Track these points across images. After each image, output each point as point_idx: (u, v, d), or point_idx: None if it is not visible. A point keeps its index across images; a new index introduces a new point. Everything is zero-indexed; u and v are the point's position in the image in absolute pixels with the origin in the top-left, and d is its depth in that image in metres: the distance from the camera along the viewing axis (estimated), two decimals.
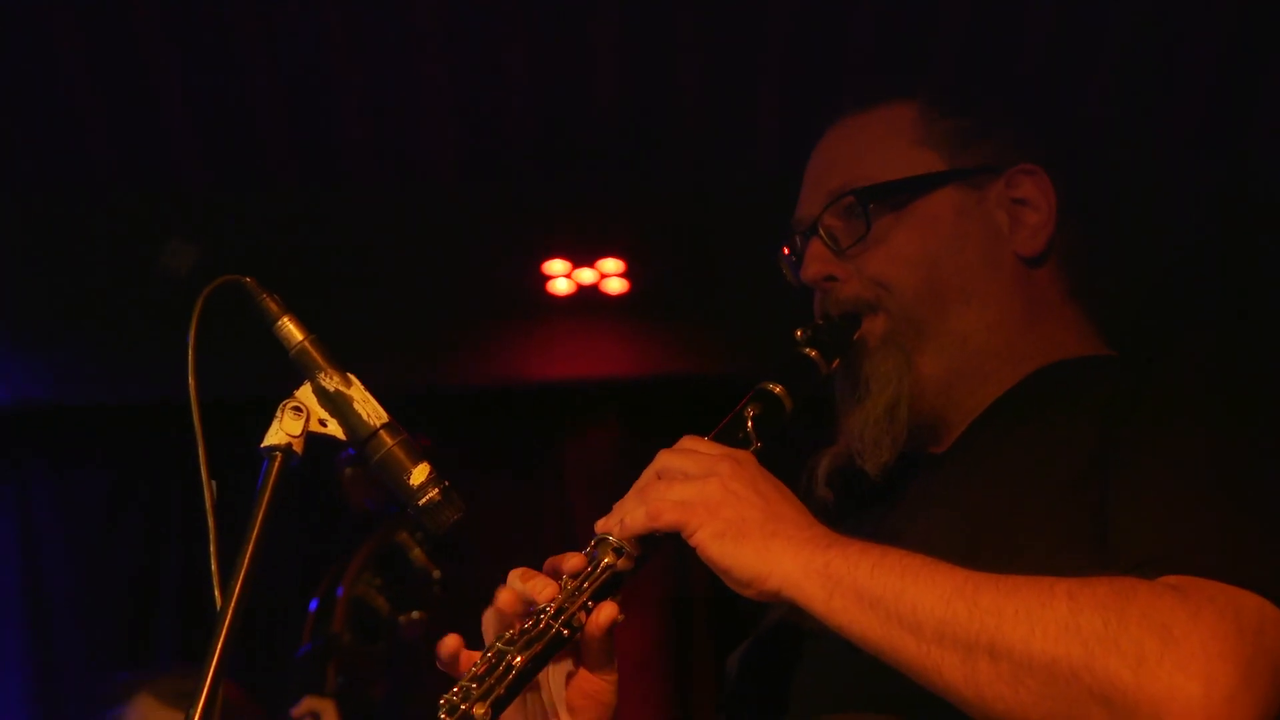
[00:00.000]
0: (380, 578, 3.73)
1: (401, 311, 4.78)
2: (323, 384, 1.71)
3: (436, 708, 1.64)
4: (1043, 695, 1.52)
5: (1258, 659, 1.49)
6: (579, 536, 1.78)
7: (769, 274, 2.17)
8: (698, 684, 4.90)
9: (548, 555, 1.77)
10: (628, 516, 1.73)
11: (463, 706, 1.63)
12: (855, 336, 2.00)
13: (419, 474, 1.70)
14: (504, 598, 1.74)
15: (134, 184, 4.50)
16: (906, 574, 1.61)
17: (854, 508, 1.99)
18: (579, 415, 5.08)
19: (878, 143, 2.06)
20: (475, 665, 1.67)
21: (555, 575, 1.73)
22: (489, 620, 1.76)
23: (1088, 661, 1.50)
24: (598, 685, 1.77)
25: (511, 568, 1.77)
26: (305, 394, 1.71)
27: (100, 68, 4.11)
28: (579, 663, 1.76)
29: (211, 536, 1.63)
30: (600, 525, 1.75)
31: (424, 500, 1.70)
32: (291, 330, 1.73)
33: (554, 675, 1.78)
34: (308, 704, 3.52)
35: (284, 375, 1.74)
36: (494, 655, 1.67)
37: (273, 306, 1.73)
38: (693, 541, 1.70)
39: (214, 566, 1.62)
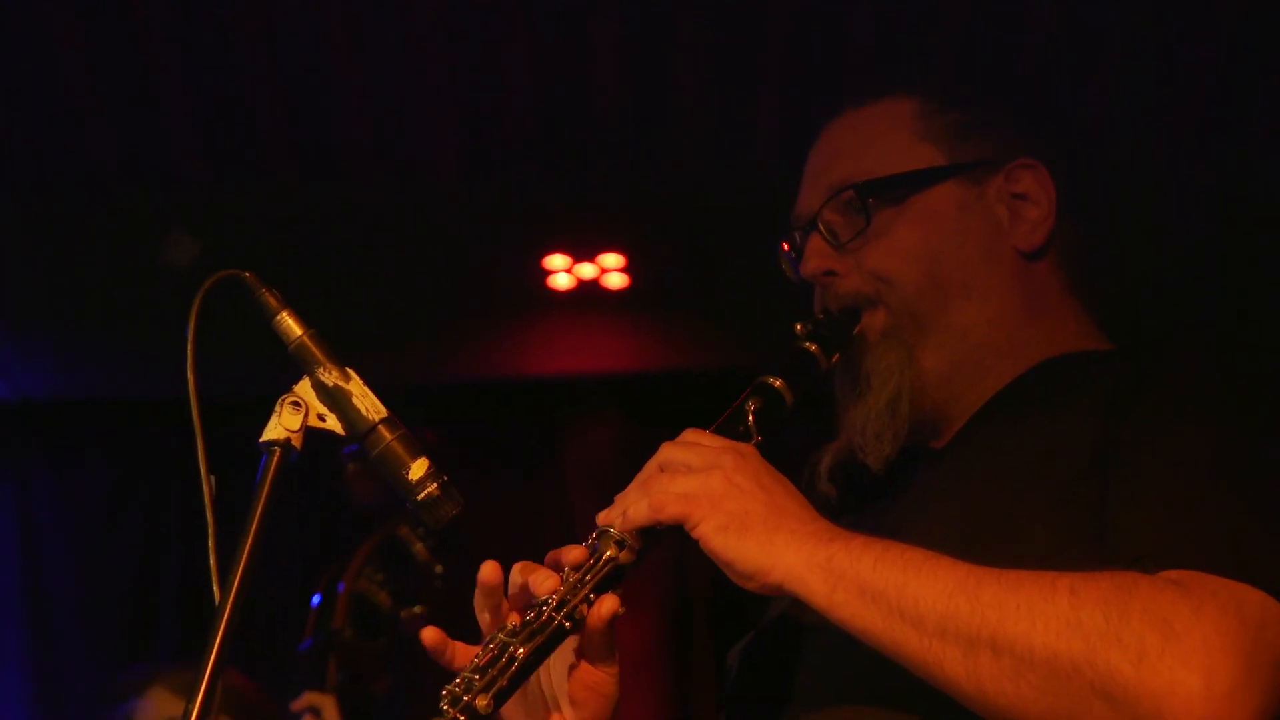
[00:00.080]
0: (382, 573, 3.73)
1: (402, 306, 4.79)
2: (321, 379, 1.71)
3: (438, 700, 1.64)
4: (1044, 690, 1.52)
5: (1259, 654, 1.49)
6: (579, 531, 1.78)
7: (769, 269, 2.17)
8: (698, 680, 4.90)
9: (547, 550, 1.77)
10: (631, 509, 1.73)
11: (465, 698, 1.63)
12: (855, 331, 2.00)
13: (418, 469, 1.70)
14: (485, 571, 1.74)
15: (134, 181, 4.50)
16: (909, 568, 1.61)
17: (855, 503, 1.99)
18: (579, 410, 5.08)
19: (878, 137, 2.06)
20: (477, 657, 1.67)
21: (557, 568, 1.73)
22: (480, 602, 1.76)
23: (1089, 656, 1.50)
24: (599, 677, 1.77)
25: (511, 562, 1.77)
26: (304, 389, 1.71)
27: (101, 67, 4.12)
28: (580, 655, 1.76)
29: (210, 532, 1.63)
30: (602, 517, 1.75)
31: (423, 495, 1.70)
32: (290, 325, 1.73)
33: (555, 668, 1.78)
34: (308, 699, 3.52)
35: (283, 370, 1.74)
36: (496, 647, 1.67)
37: (272, 301, 1.73)
38: (695, 534, 1.70)
39: (213, 562, 1.62)
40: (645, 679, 4.78)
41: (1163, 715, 1.47)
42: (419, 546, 3.72)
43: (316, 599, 3.73)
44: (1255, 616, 1.51)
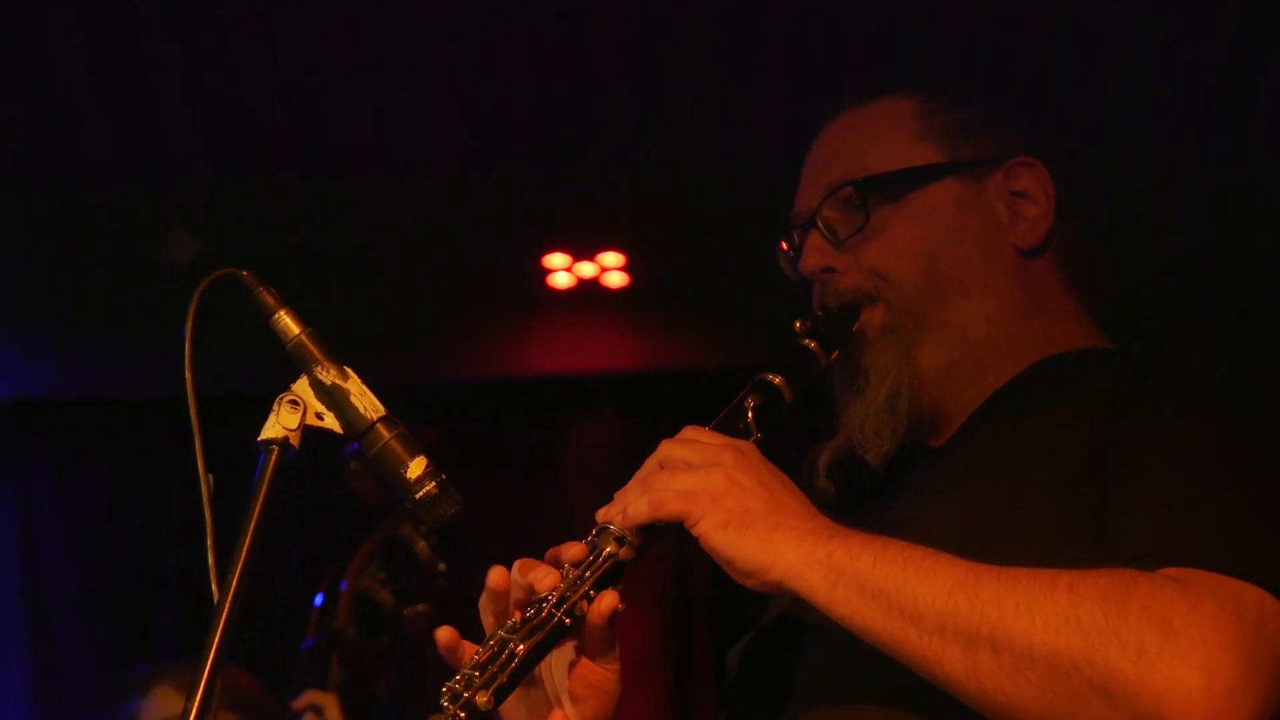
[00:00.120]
0: (384, 571, 3.73)
1: (402, 305, 4.79)
2: (320, 377, 1.71)
3: (440, 697, 1.64)
4: (1044, 687, 1.52)
5: (1258, 650, 1.49)
6: (579, 529, 1.78)
7: (769, 268, 2.17)
8: (698, 679, 4.90)
9: (547, 547, 1.76)
10: (631, 506, 1.73)
11: (465, 694, 1.62)
12: (854, 328, 2.00)
13: (416, 467, 1.70)
14: (494, 577, 1.73)
15: (134, 181, 4.50)
16: (909, 565, 1.61)
17: (854, 501, 1.99)
18: (579, 408, 5.09)
19: (877, 136, 2.06)
20: (478, 653, 1.67)
21: (557, 565, 1.73)
22: (485, 605, 1.76)
23: (1088, 653, 1.50)
24: (600, 674, 1.77)
25: (512, 561, 1.77)
26: (302, 387, 1.71)
27: (101, 67, 4.12)
28: (581, 652, 1.76)
29: (209, 530, 1.63)
30: (602, 514, 1.75)
31: (421, 493, 1.70)
32: (288, 324, 1.73)
33: (556, 665, 1.78)
34: (310, 697, 3.52)
35: (281, 369, 1.74)
36: (496, 644, 1.67)
37: (270, 300, 1.73)
38: (695, 531, 1.70)
39: (211, 560, 1.62)
40: (645, 677, 4.78)
41: (1162, 712, 1.47)
42: (422, 544, 3.72)
43: (319, 598, 3.73)
44: (1253, 613, 1.51)
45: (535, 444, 5.15)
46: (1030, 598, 1.54)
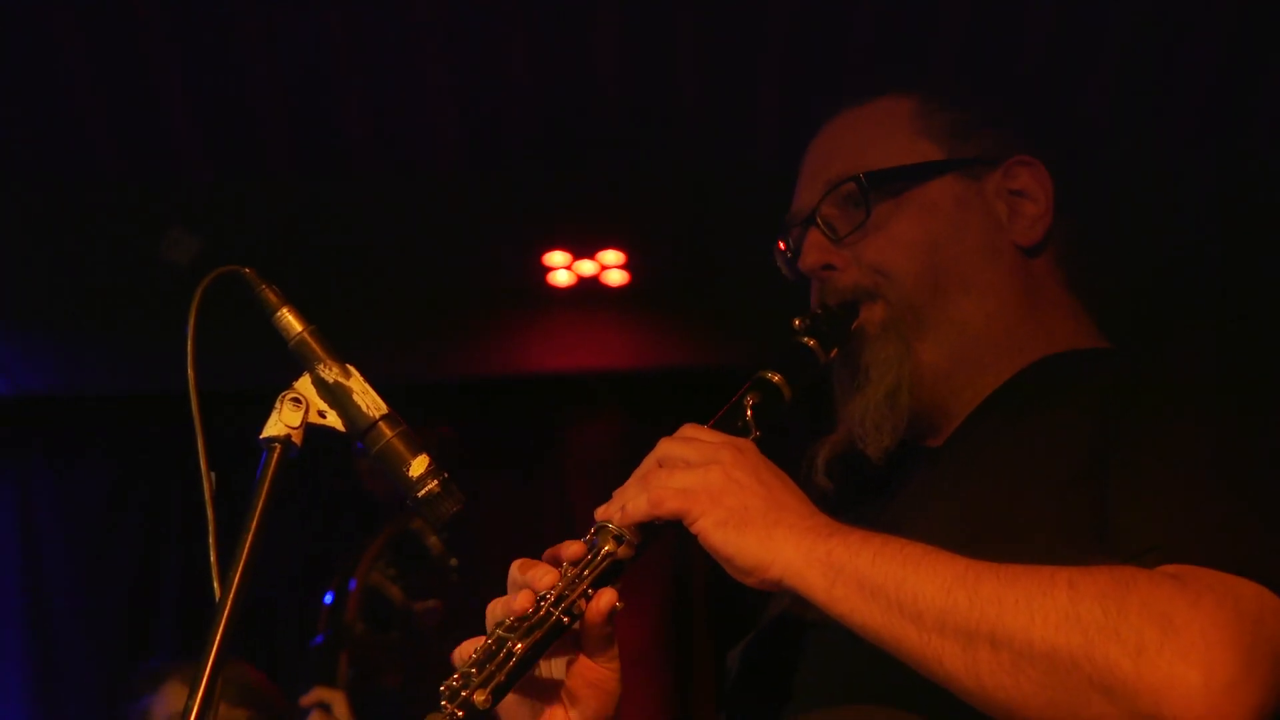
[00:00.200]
0: (394, 567, 3.73)
1: (403, 303, 4.79)
2: (322, 375, 1.71)
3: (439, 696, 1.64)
4: (1043, 684, 1.52)
5: (1257, 647, 1.50)
6: (578, 527, 1.78)
7: (768, 266, 2.17)
8: (698, 679, 4.90)
9: (547, 545, 1.76)
10: (630, 504, 1.73)
11: (463, 693, 1.63)
12: (854, 325, 2.00)
13: (418, 465, 1.70)
14: (521, 601, 1.69)
15: (135, 179, 4.50)
16: (908, 563, 1.61)
17: (853, 499, 1.99)
18: (579, 406, 5.09)
19: (877, 134, 2.07)
20: (476, 652, 1.67)
21: (555, 563, 1.73)
22: (494, 612, 1.76)
23: (1088, 650, 1.50)
24: (600, 673, 1.77)
25: (511, 558, 1.77)
26: (304, 385, 1.71)
27: (101, 66, 4.12)
28: (580, 650, 1.76)
29: (211, 528, 1.63)
30: (601, 512, 1.76)
31: (423, 492, 1.70)
32: (291, 321, 1.73)
33: (556, 664, 1.78)
34: (318, 694, 3.52)
35: (283, 366, 1.74)
36: (494, 642, 1.67)
37: (272, 297, 1.73)
38: (695, 529, 1.70)
39: (213, 558, 1.62)
40: (645, 676, 4.78)
41: (1162, 709, 1.47)
42: (433, 540, 3.72)
43: (329, 596, 3.73)
44: (1253, 610, 1.51)
45: (535, 442, 5.15)
46: (1030, 595, 1.54)
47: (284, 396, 1.69)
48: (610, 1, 4.01)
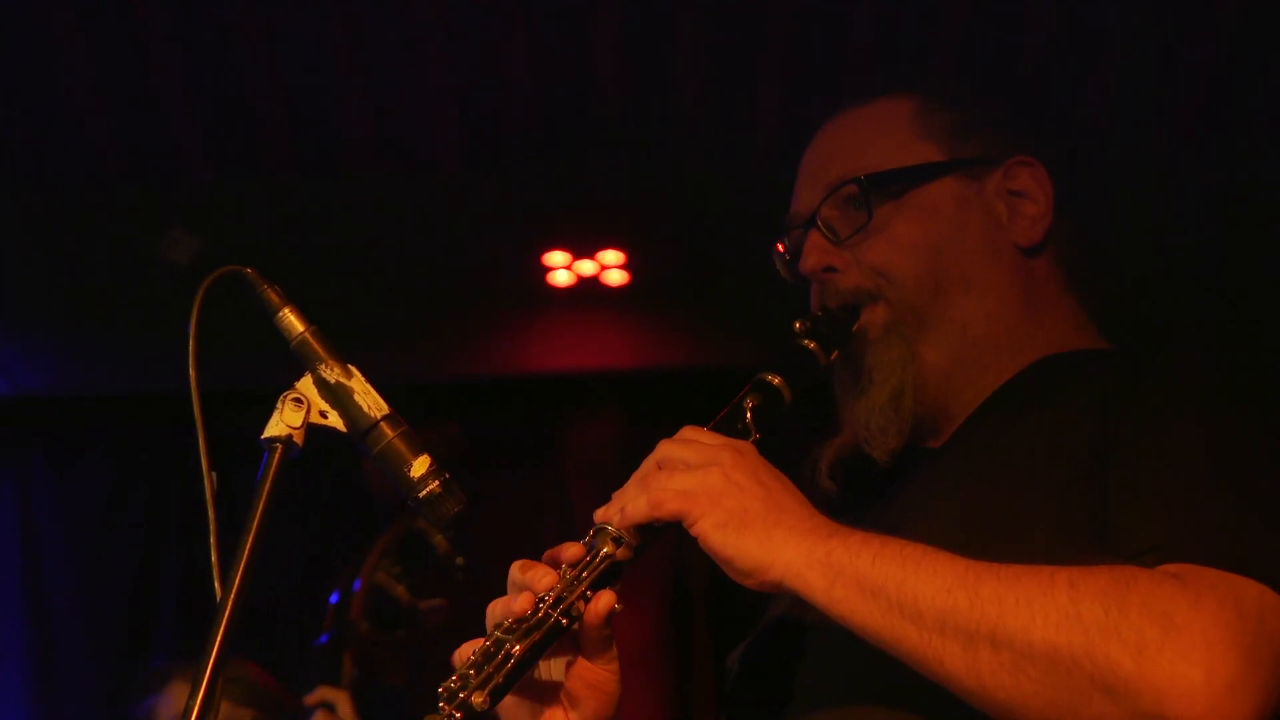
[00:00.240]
0: (400, 565, 3.73)
1: (403, 304, 4.79)
2: (323, 375, 1.71)
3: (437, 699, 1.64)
4: (1044, 684, 1.52)
5: (1259, 646, 1.50)
6: (578, 528, 1.78)
7: (768, 266, 2.17)
8: (698, 680, 4.91)
9: (547, 545, 1.76)
10: (629, 505, 1.73)
11: (461, 695, 1.63)
12: (855, 328, 2.00)
13: (419, 466, 1.70)
14: (523, 603, 1.70)
15: (135, 179, 4.50)
16: (908, 563, 1.61)
17: (854, 501, 1.99)
18: (579, 406, 5.09)
19: (877, 136, 2.06)
20: (474, 654, 1.67)
21: (554, 565, 1.73)
22: (494, 613, 1.76)
23: (1089, 650, 1.50)
24: (599, 675, 1.77)
25: (511, 558, 1.77)
26: (306, 385, 1.71)
27: (101, 66, 4.12)
28: (579, 652, 1.76)
29: (212, 528, 1.63)
30: (600, 514, 1.75)
31: (424, 492, 1.70)
32: (292, 321, 1.73)
33: (555, 666, 1.78)
34: (321, 693, 3.52)
35: (285, 367, 1.74)
36: (493, 644, 1.67)
37: (274, 298, 1.74)
38: (694, 531, 1.70)
39: (214, 558, 1.62)
40: (645, 677, 4.78)
41: (1163, 708, 1.47)
42: (439, 539, 3.72)
43: (335, 596, 3.73)
44: (1254, 609, 1.51)
45: (535, 442, 5.15)
46: (1030, 594, 1.54)
47: (285, 396, 1.70)
48: (610, 1, 4.01)
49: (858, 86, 2.14)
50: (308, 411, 1.69)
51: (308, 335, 1.72)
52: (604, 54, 4.16)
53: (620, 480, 1.79)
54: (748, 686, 1.99)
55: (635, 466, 1.78)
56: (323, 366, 1.71)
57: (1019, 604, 1.54)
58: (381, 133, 4.41)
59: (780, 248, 2.15)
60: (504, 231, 4.72)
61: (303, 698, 3.56)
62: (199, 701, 1.56)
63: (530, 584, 1.71)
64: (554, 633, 1.68)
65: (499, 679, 1.64)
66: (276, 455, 1.67)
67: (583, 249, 4.79)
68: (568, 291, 4.86)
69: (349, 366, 1.72)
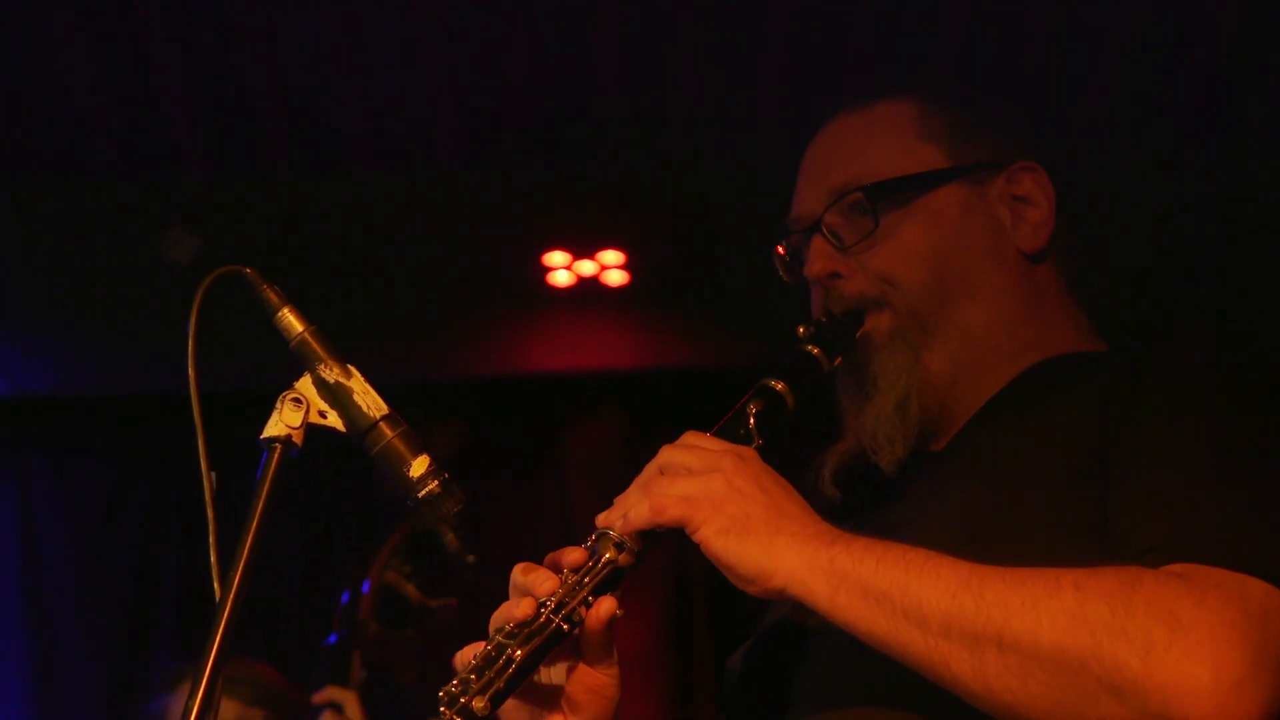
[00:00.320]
0: (410, 564, 3.73)
1: (402, 303, 4.78)
2: (323, 375, 1.71)
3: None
4: (1051, 686, 1.52)
5: (1265, 644, 1.49)
6: (579, 529, 1.78)
7: (768, 266, 2.17)
8: (698, 681, 4.90)
9: (548, 547, 1.76)
10: (631, 511, 1.72)
11: (462, 699, 1.62)
12: (859, 334, 1.99)
13: (419, 466, 1.70)
14: (525, 608, 1.70)
15: (135, 179, 4.50)
16: (911, 568, 1.60)
17: (855, 507, 1.99)
18: (579, 407, 5.08)
19: (880, 139, 2.06)
20: (475, 658, 1.67)
21: (556, 569, 1.73)
22: (495, 617, 1.76)
23: (1096, 651, 1.50)
24: (599, 680, 1.76)
25: (512, 558, 1.76)
26: (305, 385, 1.71)
27: (101, 66, 4.12)
28: (580, 658, 1.76)
29: (211, 528, 1.63)
30: (602, 519, 1.75)
31: (424, 492, 1.70)
32: (292, 321, 1.73)
33: (556, 671, 1.78)
34: (329, 693, 3.52)
35: (284, 366, 1.74)
36: (494, 649, 1.66)
37: (273, 297, 1.73)
38: (696, 538, 1.69)
39: (213, 558, 1.62)
40: (645, 679, 4.78)
41: (1170, 708, 1.47)
42: (450, 537, 3.72)
43: (345, 596, 3.73)
44: (1259, 607, 1.51)
45: (535, 443, 5.14)
46: (1036, 597, 1.54)
47: (285, 396, 1.69)
48: (610, 1, 4.01)
49: (858, 87, 2.14)
50: (307, 411, 1.69)
51: (307, 335, 1.72)
52: (604, 54, 4.16)
53: (620, 481, 1.78)
54: (748, 689, 1.98)
55: (635, 467, 1.78)
56: (322, 366, 1.71)
57: (1025, 606, 1.54)
58: (381, 133, 4.41)
59: (781, 250, 2.14)
60: (504, 231, 4.72)
61: (310, 697, 3.56)
62: (198, 701, 1.56)
63: (532, 588, 1.70)
64: (555, 638, 1.68)
65: (500, 684, 1.64)
66: (276, 455, 1.67)
67: (583, 249, 4.78)
68: (568, 291, 4.86)
69: (348, 366, 1.72)
